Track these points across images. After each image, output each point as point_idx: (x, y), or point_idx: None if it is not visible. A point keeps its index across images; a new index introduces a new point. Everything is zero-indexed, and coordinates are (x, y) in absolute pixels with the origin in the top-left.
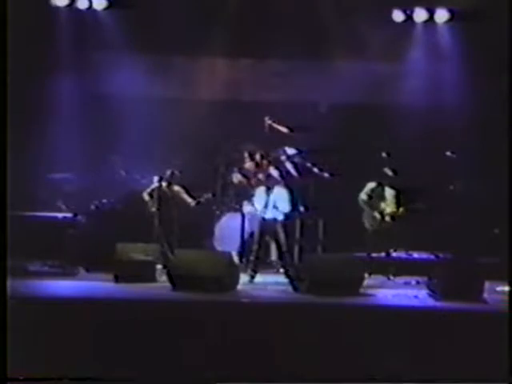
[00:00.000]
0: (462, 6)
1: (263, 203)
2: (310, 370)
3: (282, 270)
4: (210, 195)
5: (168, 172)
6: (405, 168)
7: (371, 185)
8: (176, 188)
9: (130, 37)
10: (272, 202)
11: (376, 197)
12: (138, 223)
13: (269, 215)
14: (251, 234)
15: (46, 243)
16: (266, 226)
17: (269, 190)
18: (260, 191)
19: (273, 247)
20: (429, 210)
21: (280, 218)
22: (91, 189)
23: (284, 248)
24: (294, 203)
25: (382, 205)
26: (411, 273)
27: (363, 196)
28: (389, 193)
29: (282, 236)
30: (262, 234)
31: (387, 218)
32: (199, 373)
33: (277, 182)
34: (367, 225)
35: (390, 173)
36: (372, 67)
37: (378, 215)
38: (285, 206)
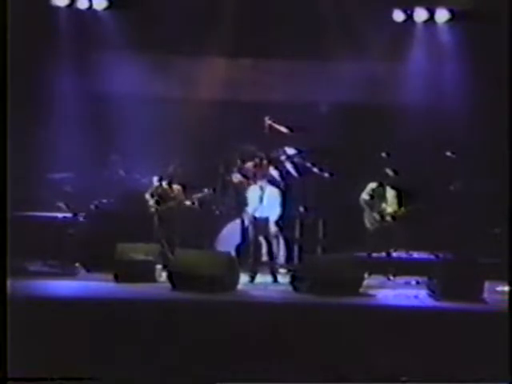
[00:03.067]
0: (462, 5)
1: (257, 202)
2: (310, 369)
3: (282, 271)
4: (211, 191)
5: (168, 170)
6: (405, 168)
7: (372, 185)
8: (176, 187)
9: (130, 37)
10: (265, 201)
11: (377, 197)
12: (138, 223)
13: (261, 214)
14: (248, 234)
15: (46, 243)
16: (259, 226)
17: (262, 189)
18: (253, 190)
19: (264, 247)
20: (429, 210)
21: (272, 217)
22: (91, 189)
23: (274, 248)
24: (284, 204)
25: (383, 205)
26: (411, 273)
27: (365, 196)
28: (390, 193)
29: (272, 236)
30: (256, 233)
31: (388, 218)
32: (199, 373)
33: (275, 182)
34: (368, 225)
35: (390, 173)
36: (372, 67)
37: (378, 215)
38: (276, 206)
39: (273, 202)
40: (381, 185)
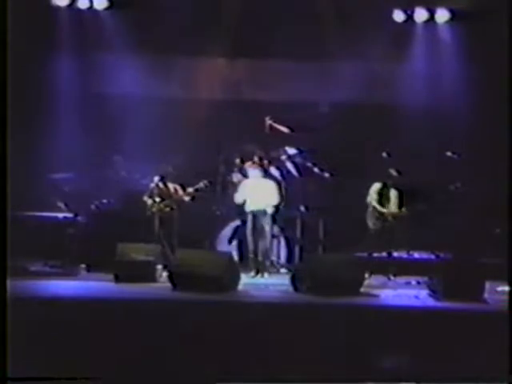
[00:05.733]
0: (462, 5)
1: (251, 195)
2: (310, 369)
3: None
4: (206, 182)
5: (168, 170)
6: (405, 168)
7: (377, 185)
8: (175, 187)
9: (131, 36)
10: (260, 194)
11: (381, 197)
12: (139, 223)
13: (256, 208)
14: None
15: (46, 243)
16: (257, 221)
17: (255, 182)
18: (245, 184)
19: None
20: (430, 211)
21: (270, 210)
22: (91, 189)
23: (267, 244)
24: (281, 194)
25: (387, 205)
26: (412, 273)
27: (373, 195)
28: (392, 193)
29: (272, 234)
30: (254, 230)
31: (390, 218)
32: (199, 373)
33: (269, 174)
34: (370, 224)
35: (394, 173)
36: (372, 67)
37: (381, 215)
38: (273, 197)
39: (268, 193)
40: (385, 185)
